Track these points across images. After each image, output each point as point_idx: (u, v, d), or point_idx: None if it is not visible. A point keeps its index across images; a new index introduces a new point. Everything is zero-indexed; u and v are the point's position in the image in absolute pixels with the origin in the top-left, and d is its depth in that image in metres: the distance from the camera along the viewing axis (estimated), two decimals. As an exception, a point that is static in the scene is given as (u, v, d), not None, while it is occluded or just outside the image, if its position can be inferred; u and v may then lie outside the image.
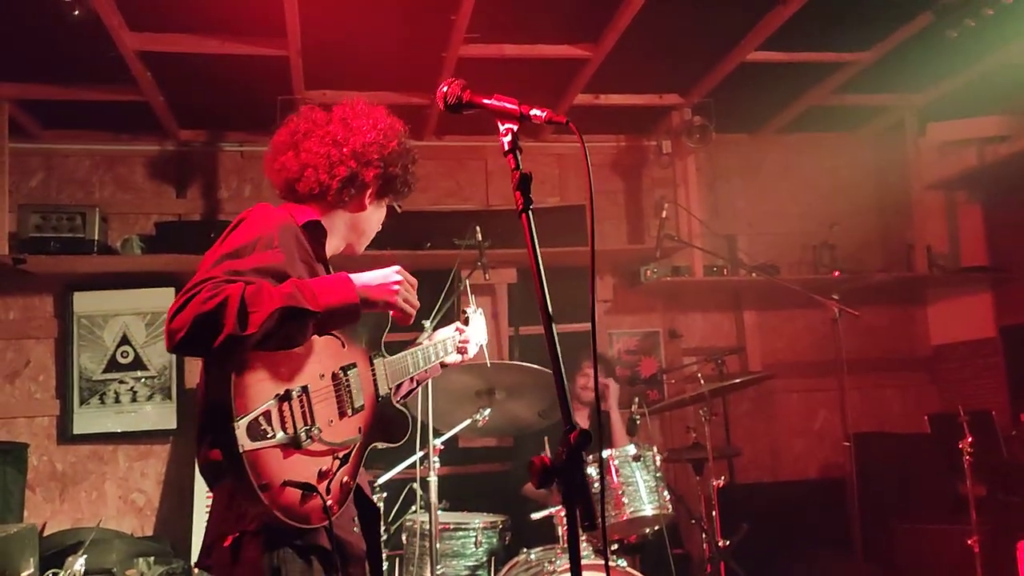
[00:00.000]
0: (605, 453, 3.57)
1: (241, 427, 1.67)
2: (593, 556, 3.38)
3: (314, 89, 4.68)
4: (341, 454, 1.92)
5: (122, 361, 4.97)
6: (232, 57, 4.19)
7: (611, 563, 3.23)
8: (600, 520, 1.19)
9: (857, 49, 4.58)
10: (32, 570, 3.41)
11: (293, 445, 1.77)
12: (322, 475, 1.85)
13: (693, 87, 5.03)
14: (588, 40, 4.34)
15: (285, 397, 1.78)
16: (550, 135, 5.46)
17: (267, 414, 1.73)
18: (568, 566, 3.26)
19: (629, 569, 3.35)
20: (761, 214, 5.85)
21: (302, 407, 1.82)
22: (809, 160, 5.93)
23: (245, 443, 1.67)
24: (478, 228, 4.18)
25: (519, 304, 5.39)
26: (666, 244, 4.95)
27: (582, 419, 4.47)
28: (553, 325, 1.35)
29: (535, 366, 3.61)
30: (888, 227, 5.94)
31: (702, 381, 4.09)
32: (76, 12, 3.32)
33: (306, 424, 1.81)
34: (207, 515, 1.94)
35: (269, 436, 1.73)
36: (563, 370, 1.35)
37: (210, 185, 5.29)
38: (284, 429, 1.76)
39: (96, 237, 4.67)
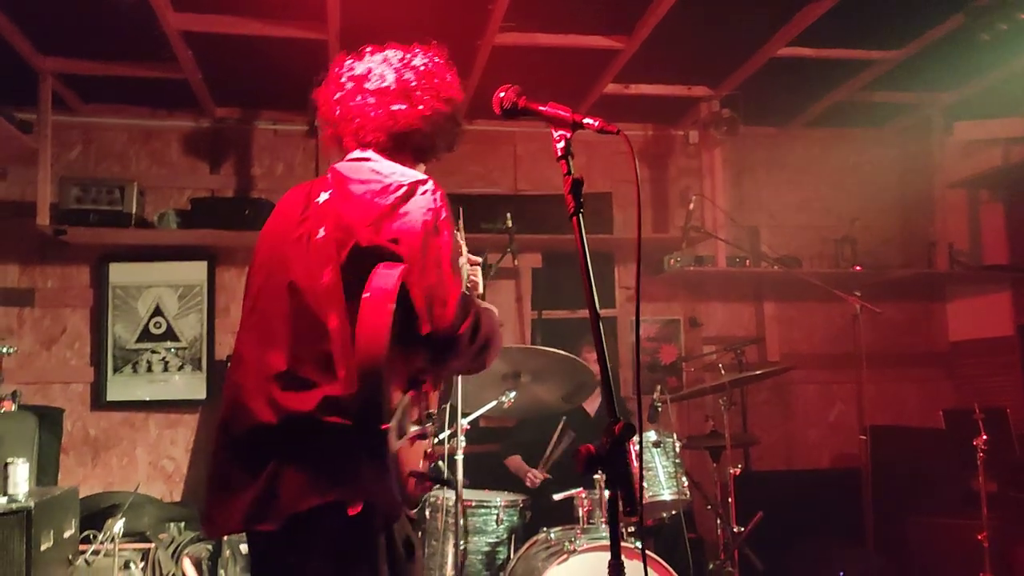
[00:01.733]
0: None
1: (393, 428, 1.57)
2: (612, 537, 3.47)
3: (349, 71, 4.76)
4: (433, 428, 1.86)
5: (154, 331, 5.11)
6: (271, 39, 4.27)
7: (628, 544, 3.32)
8: (639, 507, 1.28)
9: (887, 48, 4.61)
10: (73, 531, 3.56)
11: (420, 436, 1.71)
12: (427, 456, 1.79)
13: (722, 80, 5.07)
14: (621, 32, 4.40)
15: (414, 385, 1.69)
16: (578, 122, 5.50)
17: (405, 409, 1.66)
18: (588, 546, 3.38)
19: (647, 552, 3.44)
20: (785, 206, 5.90)
21: (425, 393, 1.75)
22: (835, 155, 5.98)
23: (394, 444, 1.58)
24: (509, 215, 4.27)
25: (542, 288, 5.49)
26: (692, 235, 5.03)
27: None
28: (600, 324, 1.44)
29: (561, 352, 3.70)
30: (911, 224, 5.98)
31: (723, 371, 4.17)
32: (128, -5, 3.40)
33: (428, 408, 1.75)
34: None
35: (406, 431, 1.65)
36: (609, 365, 1.44)
37: (243, 162, 5.39)
38: (414, 420, 1.69)
39: (133, 211, 4.79)
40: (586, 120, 1.56)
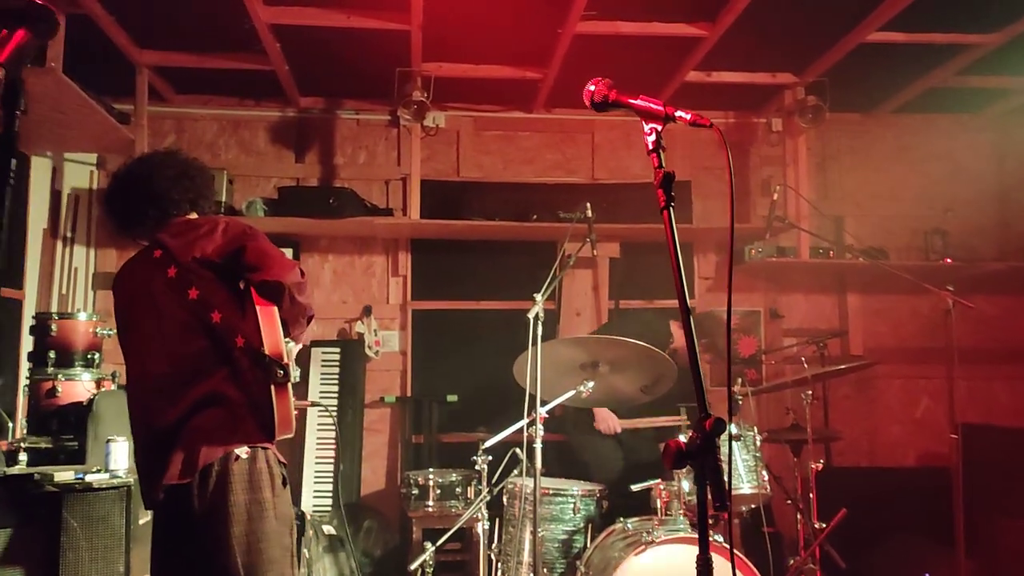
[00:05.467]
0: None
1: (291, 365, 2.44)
2: (690, 530, 3.46)
3: (430, 61, 4.82)
4: None
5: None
6: (356, 30, 4.35)
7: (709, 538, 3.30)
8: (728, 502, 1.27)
9: (984, 31, 4.43)
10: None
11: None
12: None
13: (808, 66, 4.95)
14: (704, 19, 4.33)
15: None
16: (658, 110, 5.45)
17: None
18: (666, 538, 3.36)
19: (728, 546, 3.41)
20: (871, 196, 5.74)
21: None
22: (924, 142, 5.78)
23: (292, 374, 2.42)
24: (588, 205, 4.26)
25: (620, 278, 5.46)
26: (776, 225, 4.94)
27: None
28: (692, 320, 1.44)
29: (640, 343, 3.68)
30: (1007, 214, 5.74)
31: (805, 365, 4.09)
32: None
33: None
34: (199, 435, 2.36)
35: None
36: (699, 362, 1.44)
37: (327, 151, 5.51)
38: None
39: (223, 199, 4.94)
40: (678, 113, 1.54)
